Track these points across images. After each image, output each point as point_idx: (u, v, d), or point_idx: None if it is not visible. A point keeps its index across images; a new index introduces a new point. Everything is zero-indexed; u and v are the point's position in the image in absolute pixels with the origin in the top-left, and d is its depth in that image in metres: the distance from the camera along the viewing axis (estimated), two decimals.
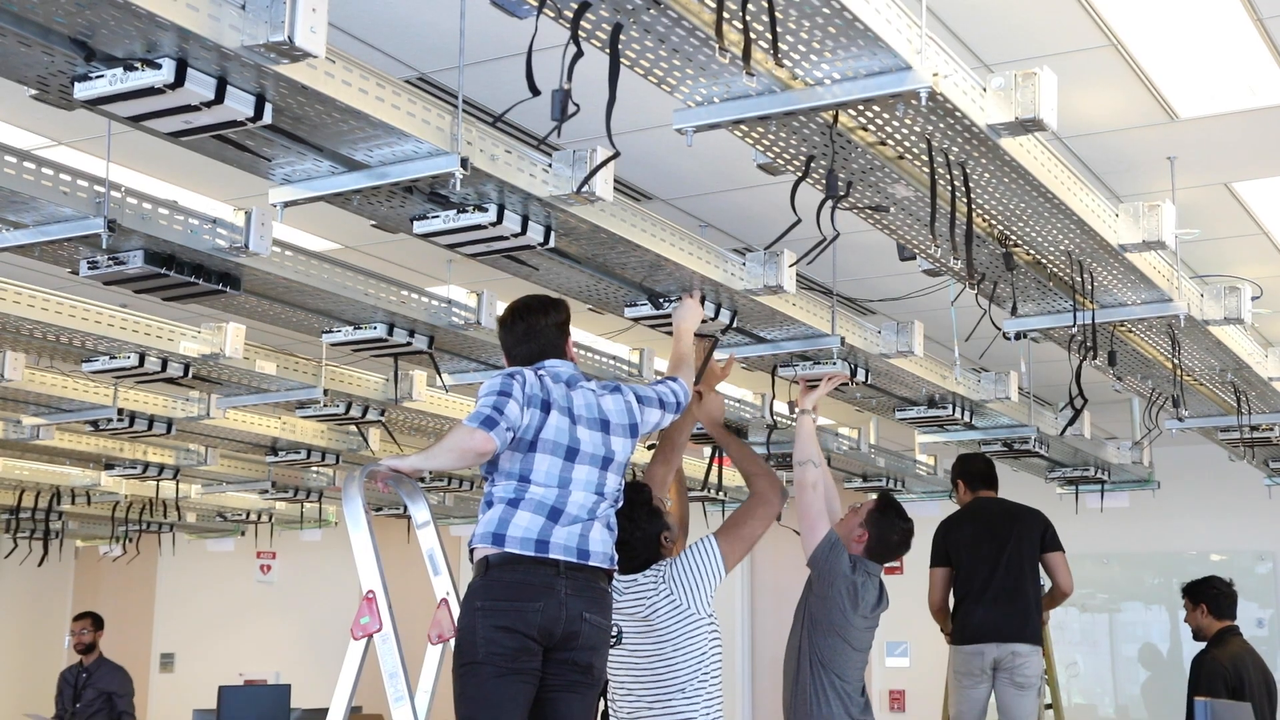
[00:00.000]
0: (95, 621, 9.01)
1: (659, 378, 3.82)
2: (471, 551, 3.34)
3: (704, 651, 3.76)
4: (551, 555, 3.27)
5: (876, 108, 2.98)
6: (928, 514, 9.82)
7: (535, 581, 3.25)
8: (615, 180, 3.46)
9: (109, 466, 7.57)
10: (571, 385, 3.47)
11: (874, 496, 4.35)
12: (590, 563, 3.33)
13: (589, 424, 3.43)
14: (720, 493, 7.64)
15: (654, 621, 3.77)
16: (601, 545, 3.38)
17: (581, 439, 3.39)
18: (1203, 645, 6.27)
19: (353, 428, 6.79)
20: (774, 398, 5.82)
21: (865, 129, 3.13)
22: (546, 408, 3.36)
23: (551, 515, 3.31)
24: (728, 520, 4.00)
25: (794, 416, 4.63)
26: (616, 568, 3.47)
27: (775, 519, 4.04)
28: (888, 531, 4.18)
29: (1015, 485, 9.14)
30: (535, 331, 3.54)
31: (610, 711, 3.91)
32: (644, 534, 3.83)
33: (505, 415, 3.27)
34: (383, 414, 6.09)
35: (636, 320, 4.43)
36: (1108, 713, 10.17)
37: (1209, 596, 6.28)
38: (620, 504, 3.51)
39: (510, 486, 3.34)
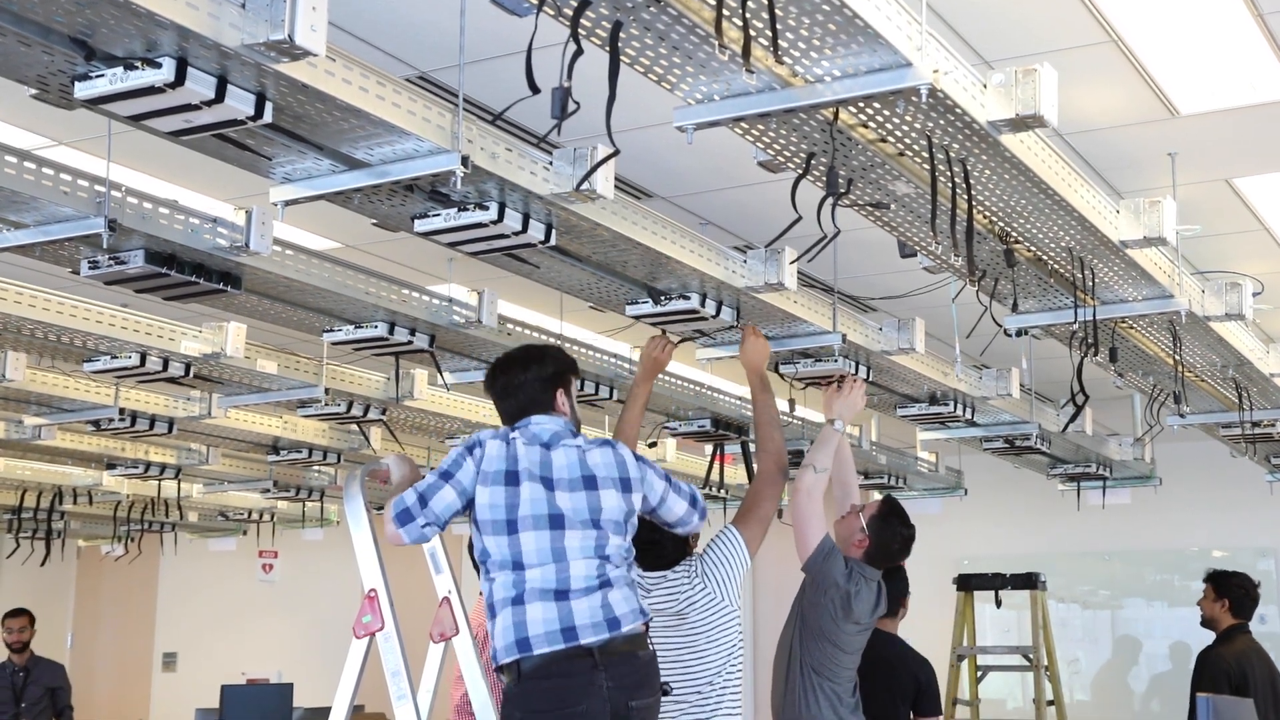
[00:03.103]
0: (31, 619, 8.92)
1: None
2: (499, 669, 3.13)
3: (733, 643, 3.81)
4: (582, 641, 3.05)
5: (877, 105, 2.98)
6: (929, 512, 9.84)
7: (574, 683, 3.05)
8: (616, 178, 3.45)
9: (110, 466, 7.57)
10: (553, 445, 3.20)
11: (877, 498, 4.31)
12: (623, 630, 3.09)
13: (570, 485, 3.15)
14: (722, 490, 7.64)
15: (688, 615, 3.80)
16: (627, 606, 3.13)
17: (563, 505, 3.12)
18: (1209, 639, 6.25)
19: (354, 427, 6.79)
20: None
21: (866, 126, 3.13)
22: (514, 479, 3.12)
23: (559, 596, 3.08)
24: (741, 507, 4.00)
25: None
26: (650, 618, 3.23)
27: (780, 495, 4.02)
28: (889, 538, 4.16)
29: (1017, 482, 9.18)
30: (514, 388, 3.33)
31: None
32: (674, 533, 3.85)
33: (427, 509, 3.09)
34: (384, 413, 6.10)
35: (638, 318, 4.43)
36: (1110, 709, 10.17)
37: (1236, 595, 6.24)
38: (629, 558, 3.24)
39: (507, 581, 3.10)
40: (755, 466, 4.16)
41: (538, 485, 3.13)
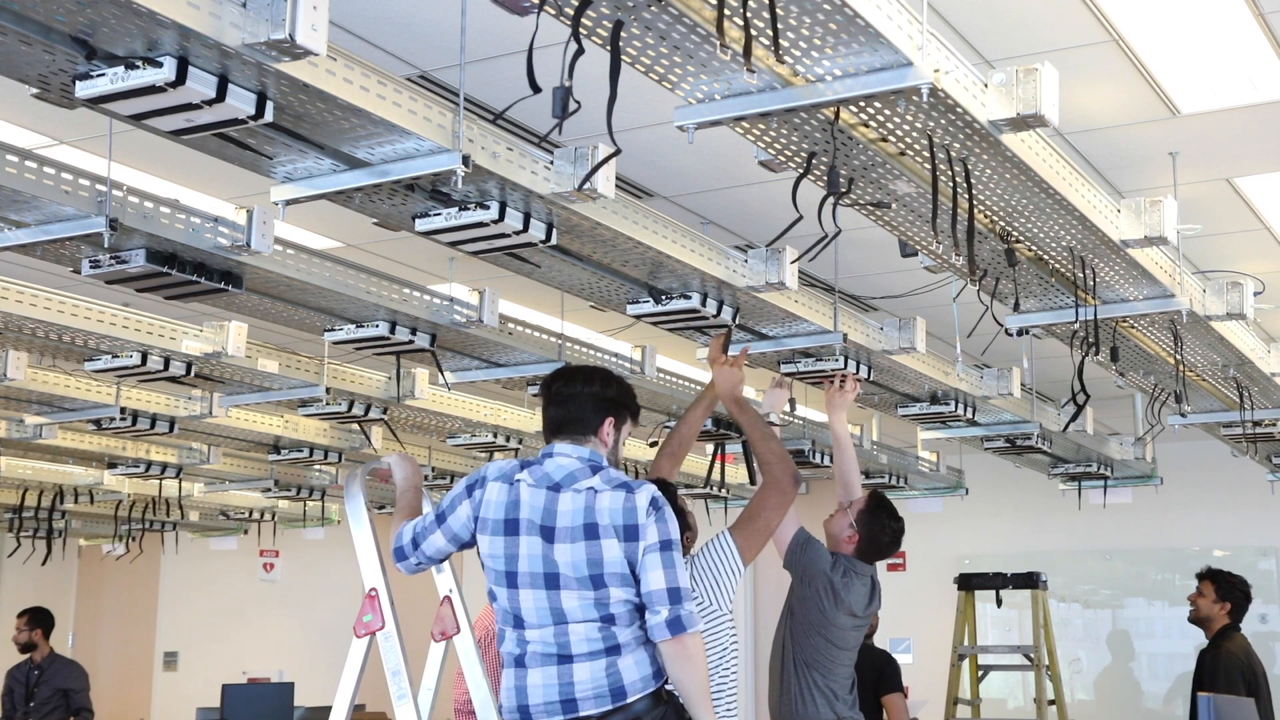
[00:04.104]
0: (33, 619, 8.89)
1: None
2: None
3: (725, 647, 3.78)
4: (582, 714, 2.91)
5: (878, 104, 2.98)
6: (929, 511, 9.86)
7: None
8: (617, 177, 3.46)
9: (112, 465, 7.58)
10: (562, 487, 2.99)
11: (864, 494, 4.28)
12: (628, 700, 2.92)
13: (570, 535, 2.94)
14: (723, 490, 7.64)
15: None
16: (637, 673, 2.94)
17: (560, 560, 2.93)
18: (1206, 636, 6.23)
19: (355, 426, 6.80)
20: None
21: (866, 125, 3.13)
22: (514, 528, 2.97)
23: (562, 660, 2.94)
24: (742, 514, 3.94)
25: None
26: (667, 683, 3.00)
27: (790, 506, 3.94)
28: (878, 532, 4.15)
29: (1018, 482, 9.18)
30: (566, 397, 3.12)
31: None
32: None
33: (419, 551, 3.07)
34: (385, 412, 6.10)
35: (638, 317, 4.43)
36: (1111, 708, 10.17)
37: (1238, 599, 6.23)
38: (645, 617, 2.98)
39: (511, 637, 3.00)
40: (756, 469, 4.11)
41: (536, 539, 2.96)
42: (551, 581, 2.94)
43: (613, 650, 2.94)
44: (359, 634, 3.14)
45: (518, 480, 3.02)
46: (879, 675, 5.88)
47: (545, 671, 2.94)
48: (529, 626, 2.96)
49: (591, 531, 2.94)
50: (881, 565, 4.32)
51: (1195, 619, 6.29)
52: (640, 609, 2.96)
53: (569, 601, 2.94)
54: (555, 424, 3.12)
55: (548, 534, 2.96)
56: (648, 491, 3.00)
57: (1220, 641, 6.10)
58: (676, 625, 2.92)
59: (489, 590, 3.06)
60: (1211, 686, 5.90)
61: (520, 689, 2.96)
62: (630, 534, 2.95)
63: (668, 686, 3.00)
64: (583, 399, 3.11)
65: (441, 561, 3.15)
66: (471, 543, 3.05)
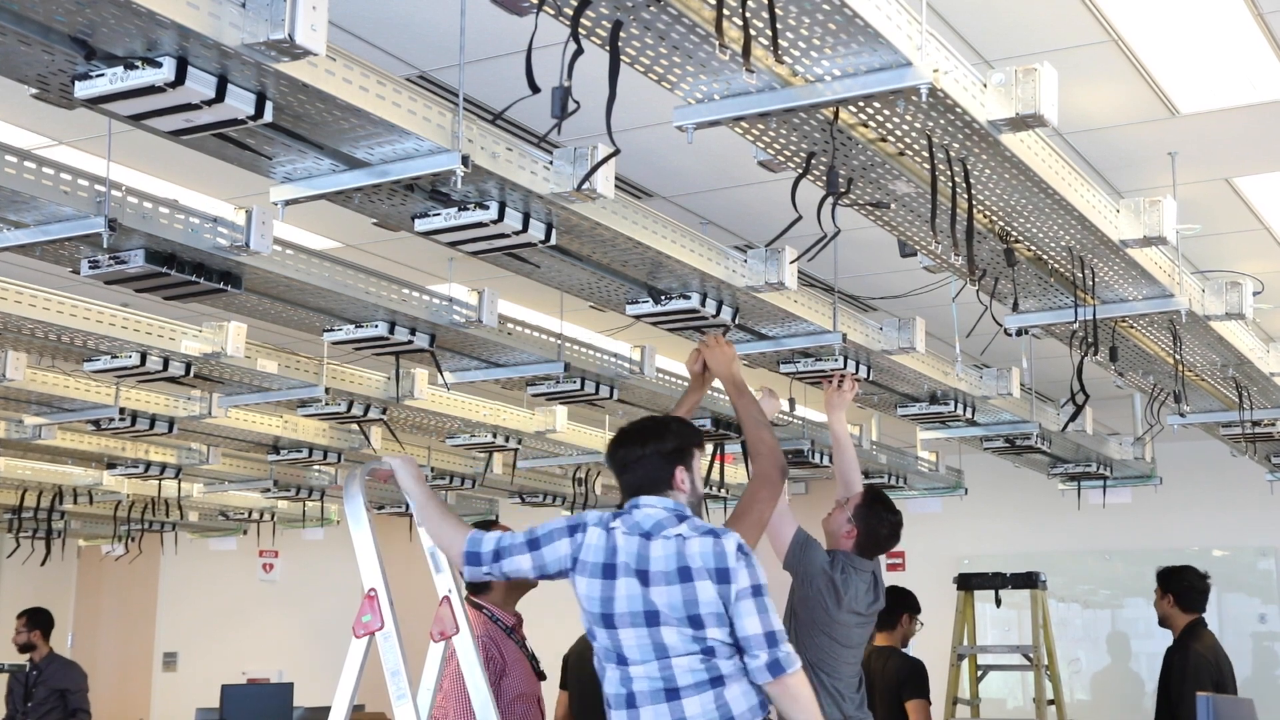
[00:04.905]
0: (32, 619, 8.87)
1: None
2: None
3: None
4: None
5: (877, 104, 2.98)
6: (929, 511, 9.86)
7: None
8: (616, 177, 3.45)
9: (111, 466, 7.57)
10: (653, 535, 3.09)
11: (859, 490, 4.27)
12: None
13: (665, 579, 3.04)
14: (723, 490, 7.65)
15: None
16: (745, 703, 3.03)
17: (658, 601, 3.03)
18: (1173, 636, 6.23)
19: (354, 426, 6.80)
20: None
21: (866, 125, 3.13)
22: (611, 572, 3.08)
23: (670, 696, 3.03)
24: (735, 510, 3.93)
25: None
26: (769, 713, 3.08)
27: (779, 497, 3.91)
28: (876, 525, 4.16)
29: (1018, 482, 9.18)
30: (632, 462, 3.22)
31: None
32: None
33: (495, 565, 3.17)
34: (384, 412, 6.10)
35: (638, 317, 4.43)
36: (1110, 708, 10.17)
37: (1178, 589, 6.24)
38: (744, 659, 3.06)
39: (615, 676, 3.10)
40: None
41: (634, 580, 3.06)
42: (651, 619, 3.04)
43: (717, 681, 3.02)
44: (358, 634, 3.14)
45: (613, 528, 3.13)
46: (902, 682, 5.91)
47: (656, 709, 3.03)
48: (633, 663, 3.06)
49: (685, 575, 3.04)
50: (881, 564, 4.31)
51: (1160, 622, 6.32)
52: (738, 647, 3.04)
53: (670, 637, 3.03)
54: (633, 488, 3.21)
55: (643, 577, 3.06)
56: (734, 538, 3.10)
57: (1189, 641, 6.10)
58: (776, 668, 3.02)
59: (588, 630, 3.15)
60: (1181, 686, 5.91)
61: None
62: (722, 576, 3.03)
63: (773, 717, 3.08)
64: (649, 461, 3.21)
65: (505, 576, 3.22)
66: (551, 576, 3.17)
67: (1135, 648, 10.30)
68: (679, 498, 3.20)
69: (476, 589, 4.01)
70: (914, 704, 5.92)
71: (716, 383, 4.47)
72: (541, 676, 4.01)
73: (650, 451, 3.22)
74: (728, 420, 6.29)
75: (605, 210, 3.67)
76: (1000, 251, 4.01)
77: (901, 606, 6.06)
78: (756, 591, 3.05)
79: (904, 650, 6.15)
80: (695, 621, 3.02)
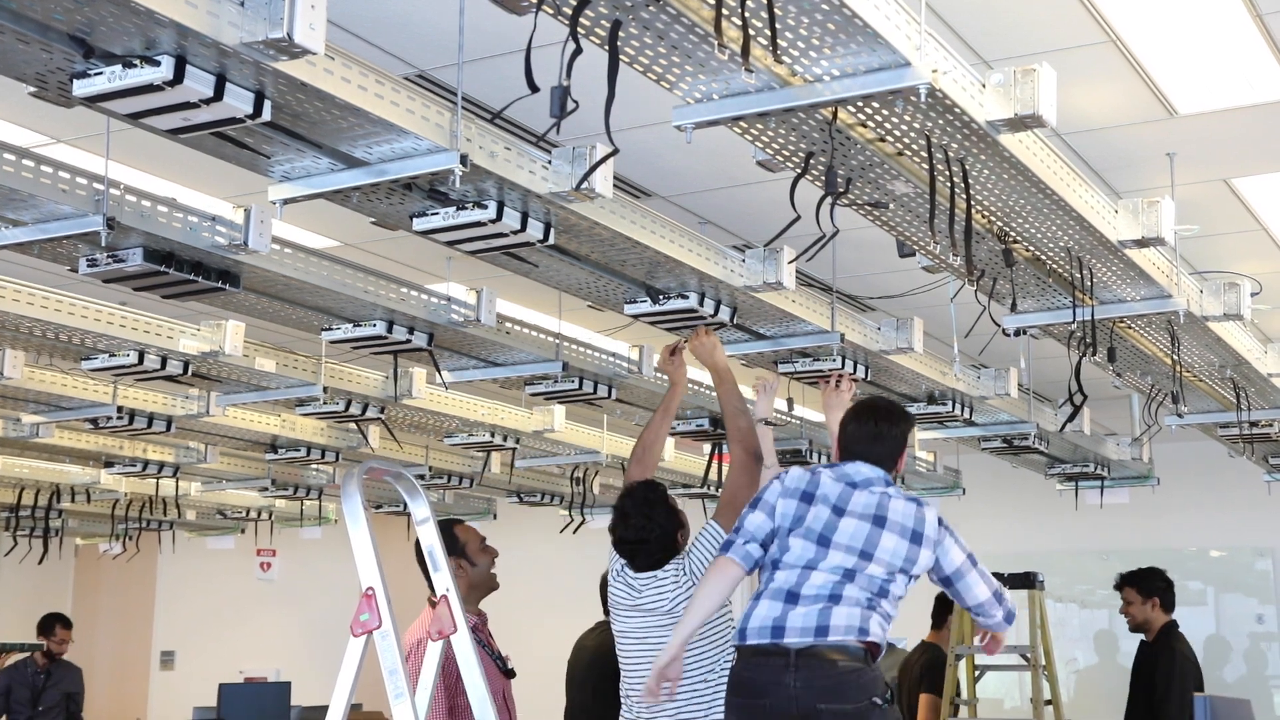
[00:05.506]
0: (69, 625, 8.95)
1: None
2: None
3: (726, 636, 3.84)
4: (786, 641, 3.28)
5: (875, 104, 2.98)
6: None
7: (762, 678, 3.30)
8: (615, 177, 3.45)
9: (109, 464, 7.57)
10: (859, 486, 3.45)
11: None
12: (830, 639, 3.27)
13: (860, 516, 3.39)
14: (720, 490, 7.63)
15: (679, 613, 3.82)
16: (845, 621, 3.30)
17: (843, 528, 3.37)
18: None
19: (352, 425, 6.79)
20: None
21: (864, 125, 3.13)
22: (809, 499, 3.42)
23: (789, 599, 3.33)
24: (720, 500, 4.05)
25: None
26: (874, 639, 3.33)
27: (757, 480, 4.01)
28: None
29: (1015, 482, 9.18)
30: (882, 437, 3.56)
31: (626, 703, 3.93)
32: (662, 531, 3.91)
33: (743, 531, 3.45)
34: (382, 411, 6.09)
35: (636, 317, 4.43)
36: (1108, 708, 10.17)
37: (1161, 590, 6.29)
38: (890, 599, 3.39)
39: (764, 578, 3.43)
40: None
41: (826, 509, 3.40)
42: (825, 540, 3.37)
43: (833, 599, 3.32)
44: (356, 633, 3.13)
45: (819, 472, 3.49)
46: (920, 676, 6.36)
47: (772, 605, 3.34)
48: (780, 568, 3.38)
49: (880, 522, 3.39)
50: None
51: (1135, 627, 6.34)
52: (882, 588, 3.37)
53: (833, 559, 3.35)
54: (866, 456, 3.53)
55: (839, 511, 3.41)
56: (935, 510, 3.47)
57: (1173, 642, 6.12)
58: (1010, 617, 3.59)
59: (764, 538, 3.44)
60: (1167, 687, 5.93)
61: (747, 615, 3.37)
62: (916, 539, 3.40)
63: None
64: (893, 441, 3.56)
65: (763, 537, 3.45)
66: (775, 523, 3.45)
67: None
68: (891, 475, 3.54)
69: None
70: (924, 698, 6.19)
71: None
72: (509, 675, 4.02)
73: (900, 432, 3.58)
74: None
75: (604, 210, 3.67)
76: (999, 252, 4.01)
77: (947, 609, 6.35)
78: (973, 561, 3.51)
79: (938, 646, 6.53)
80: (865, 555, 3.35)
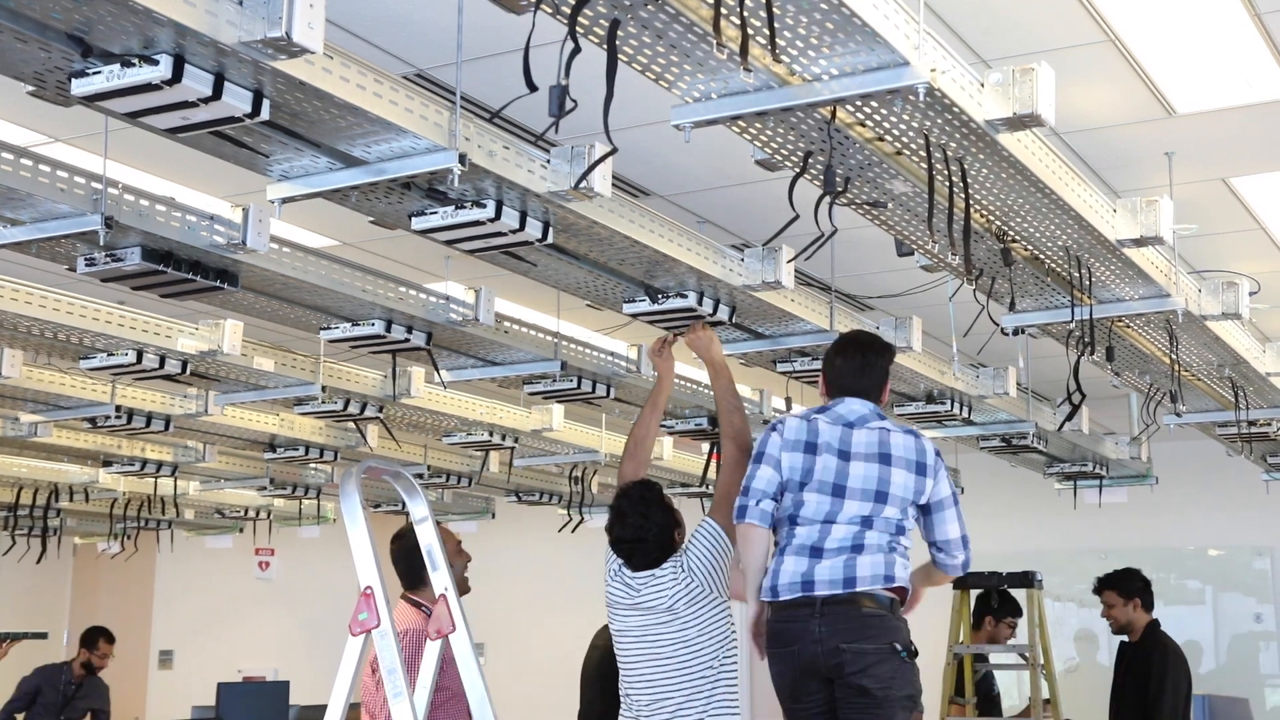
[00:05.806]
0: (111, 639, 8.97)
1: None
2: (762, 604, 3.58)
3: (725, 633, 3.86)
4: (816, 593, 3.44)
5: (874, 103, 2.98)
6: None
7: (792, 628, 3.48)
8: (613, 176, 3.45)
9: (107, 463, 7.56)
10: (856, 425, 3.57)
11: None
12: (857, 589, 3.44)
13: (865, 457, 3.52)
14: (715, 486, 7.62)
15: (679, 610, 3.84)
16: (870, 570, 3.46)
17: (853, 473, 3.50)
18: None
19: (351, 424, 6.79)
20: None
21: (863, 125, 3.13)
22: (813, 449, 3.53)
23: (814, 554, 3.48)
24: (715, 496, 4.04)
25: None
26: (901, 584, 3.51)
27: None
28: None
29: (1014, 481, 9.18)
30: (870, 368, 3.68)
31: (625, 702, 3.93)
32: (659, 530, 3.91)
33: (752, 491, 3.54)
34: (381, 410, 6.09)
35: (635, 316, 4.43)
36: (1106, 708, 10.17)
37: (1141, 590, 6.29)
38: (905, 534, 3.56)
39: (784, 534, 3.55)
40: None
41: (832, 457, 3.52)
42: (838, 491, 3.50)
43: (856, 549, 3.46)
44: (354, 632, 3.13)
45: (814, 419, 3.58)
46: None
47: (798, 560, 3.48)
48: (800, 523, 3.50)
49: (885, 460, 3.53)
50: None
51: (1118, 629, 6.35)
52: (898, 527, 3.52)
53: (849, 509, 3.48)
54: (864, 390, 3.65)
55: (844, 455, 3.52)
56: (929, 442, 3.62)
57: (1163, 640, 6.13)
58: (967, 565, 3.66)
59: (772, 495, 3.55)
60: (1161, 685, 5.94)
61: (775, 572, 3.51)
62: (920, 470, 3.56)
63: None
64: (881, 371, 3.69)
65: (774, 493, 3.55)
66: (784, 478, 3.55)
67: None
68: (879, 404, 3.66)
69: (412, 585, 4.06)
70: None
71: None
72: None
73: (885, 362, 3.72)
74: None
75: (602, 209, 3.67)
76: (997, 251, 4.02)
77: (983, 609, 6.40)
78: (955, 500, 3.60)
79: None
80: (879, 498, 3.49)
